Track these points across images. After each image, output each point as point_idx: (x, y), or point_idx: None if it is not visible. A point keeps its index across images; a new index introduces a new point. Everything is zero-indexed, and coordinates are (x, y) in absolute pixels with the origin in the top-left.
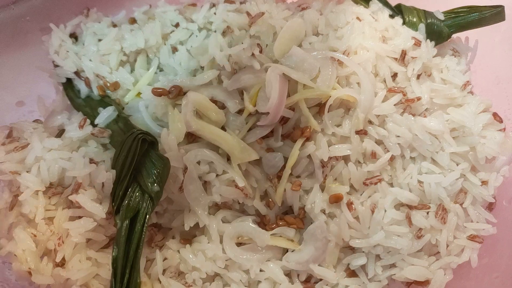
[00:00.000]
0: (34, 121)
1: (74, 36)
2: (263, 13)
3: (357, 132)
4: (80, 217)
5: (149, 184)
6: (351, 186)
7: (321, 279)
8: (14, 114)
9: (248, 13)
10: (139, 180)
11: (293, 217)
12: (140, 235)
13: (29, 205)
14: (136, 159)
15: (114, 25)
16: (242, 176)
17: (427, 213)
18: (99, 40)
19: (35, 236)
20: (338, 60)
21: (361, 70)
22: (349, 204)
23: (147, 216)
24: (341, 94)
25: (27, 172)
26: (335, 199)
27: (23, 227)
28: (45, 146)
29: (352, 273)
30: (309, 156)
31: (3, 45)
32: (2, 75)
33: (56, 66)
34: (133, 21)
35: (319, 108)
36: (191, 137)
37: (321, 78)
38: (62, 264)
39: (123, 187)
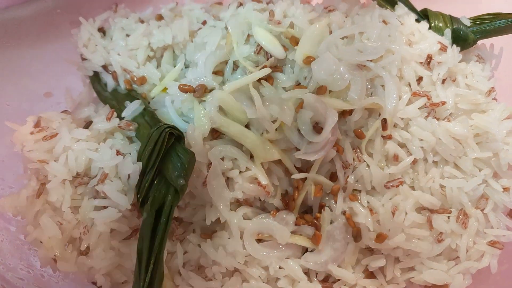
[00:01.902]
0: (62, 112)
1: (102, 31)
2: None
3: (383, 137)
4: (105, 207)
5: (175, 177)
6: (373, 188)
7: (339, 279)
8: (42, 105)
9: (271, 12)
10: (165, 173)
11: (312, 216)
12: (165, 226)
13: (56, 193)
14: (162, 152)
15: (142, 21)
16: (264, 174)
17: (448, 217)
18: (127, 35)
19: (61, 224)
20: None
21: (386, 75)
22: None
23: (172, 208)
24: (368, 103)
25: (54, 161)
26: (355, 199)
27: (49, 215)
28: (73, 136)
29: (370, 275)
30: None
31: (34, 37)
32: (32, 66)
33: (84, 59)
34: (160, 17)
35: (342, 112)
36: (216, 134)
37: (353, 90)
38: (86, 252)
39: (148, 179)
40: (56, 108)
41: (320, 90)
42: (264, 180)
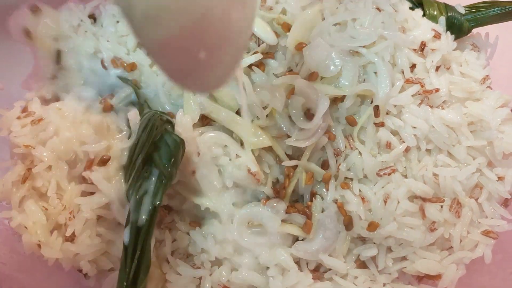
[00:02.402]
0: None
1: (93, 17)
2: None
3: (376, 124)
4: (92, 193)
5: (163, 165)
6: (365, 177)
7: (330, 269)
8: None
9: None
10: (154, 160)
11: (303, 204)
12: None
13: (41, 179)
14: (151, 138)
15: None
16: (255, 161)
17: (441, 206)
18: (117, 22)
19: (46, 209)
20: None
21: (379, 61)
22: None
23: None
24: (360, 89)
25: (41, 146)
26: (347, 187)
27: (34, 201)
28: (61, 120)
29: (362, 264)
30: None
31: None
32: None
33: None
34: None
35: (334, 98)
36: (205, 120)
37: (345, 77)
38: (71, 239)
39: (136, 166)
40: None
41: (312, 76)
42: (254, 167)
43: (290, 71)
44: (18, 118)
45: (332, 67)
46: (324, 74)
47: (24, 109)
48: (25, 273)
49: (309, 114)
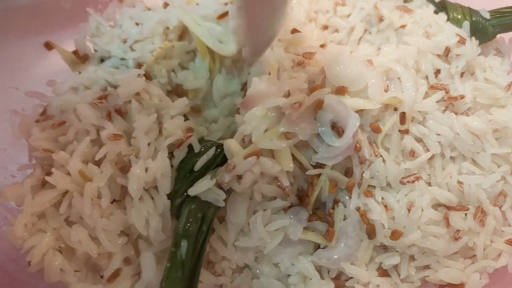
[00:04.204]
0: None
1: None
2: None
3: (401, 131)
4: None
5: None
6: (388, 184)
7: (352, 277)
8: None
9: None
10: None
11: (326, 212)
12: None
13: (62, 184)
14: None
15: (148, 9)
16: (286, 175)
17: (465, 214)
18: (136, 23)
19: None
20: None
21: (402, 69)
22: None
23: (213, 220)
24: (388, 98)
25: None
26: (370, 195)
27: None
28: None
29: (384, 273)
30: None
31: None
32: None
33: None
34: (166, 5)
35: None
36: None
37: (372, 89)
38: None
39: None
40: None
41: (340, 91)
42: (286, 182)
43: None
44: (37, 121)
45: (360, 80)
46: (351, 88)
47: (43, 112)
48: None
49: (336, 128)
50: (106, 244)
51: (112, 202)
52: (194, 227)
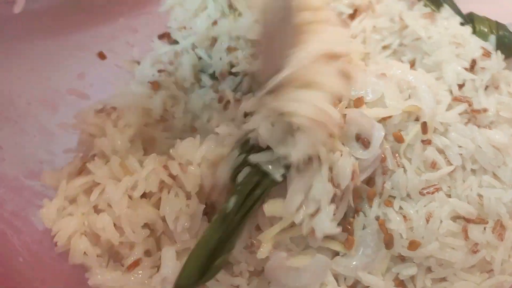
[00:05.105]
0: None
1: None
2: None
3: (423, 142)
4: None
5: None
6: (407, 195)
7: (368, 286)
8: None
9: None
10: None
11: (345, 220)
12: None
13: (97, 172)
14: None
15: None
16: None
17: (484, 228)
18: None
19: None
20: None
21: (416, 78)
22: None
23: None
24: (407, 105)
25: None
26: (390, 205)
27: None
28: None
29: (400, 283)
30: None
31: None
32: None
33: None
34: None
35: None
36: None
37: (389, 97)
38: None
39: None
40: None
41: (358, 102)
42: None
43: None
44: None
45: (375, 90)
46: (368, 99)
47: (100, 110)
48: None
49: (361, 140)
50: (129, 233)
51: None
52: (246, 188)
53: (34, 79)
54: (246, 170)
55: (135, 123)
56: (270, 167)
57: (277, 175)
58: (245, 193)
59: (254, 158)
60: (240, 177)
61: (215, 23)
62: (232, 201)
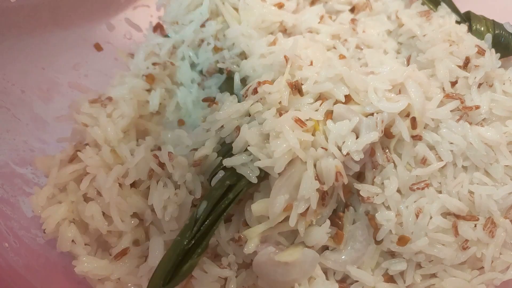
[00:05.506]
0: None
1: None
2: None
3: (413, 137)
4: None
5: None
6: (398, 190)
7: (357, 281)
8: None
9: None
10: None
11: (335, 215)
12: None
13: (88, 160)
14: None
15: None
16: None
17: (475, 225)
18: None
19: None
20: None
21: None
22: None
23: (242, 191)
24: (395, 102)
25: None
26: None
27: None
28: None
29: (390, 279)
30: None
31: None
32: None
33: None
34: None
35: None
36: None
37: (374, 92)
38: None
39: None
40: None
41: (346, 98)
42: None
43: None
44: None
45: (362, 87)
46: (355, 96)
47: (95, 100)
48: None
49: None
50: (118, 222)
51: (131, 187)
52: (218, 192)
53: (29, 68)
54: (220, 174)
55: (129, 114)
56: (244, 169)
57: (253, 177)
58: (217, 198)
59: (228, 162)
60: (214, 181)
61: (203, 25)
62: (203, 206)
